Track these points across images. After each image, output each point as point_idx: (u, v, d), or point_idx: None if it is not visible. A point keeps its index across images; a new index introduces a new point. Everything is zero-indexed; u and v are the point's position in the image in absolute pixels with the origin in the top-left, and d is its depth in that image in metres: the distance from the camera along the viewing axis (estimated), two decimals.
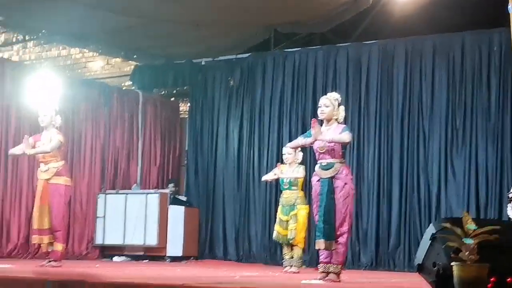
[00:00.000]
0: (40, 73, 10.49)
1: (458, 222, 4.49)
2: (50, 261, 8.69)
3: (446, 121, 10.99)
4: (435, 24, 11.94)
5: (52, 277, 5.84)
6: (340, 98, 7.16)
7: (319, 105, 7.09)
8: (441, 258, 4.67)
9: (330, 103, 7.01)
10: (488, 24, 11.11)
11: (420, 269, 4.94)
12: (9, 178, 11.27)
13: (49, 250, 8.77)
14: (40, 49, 14.98)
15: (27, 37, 13.58)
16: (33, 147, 8.76)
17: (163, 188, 13.19)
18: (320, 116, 7.05)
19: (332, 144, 6.86)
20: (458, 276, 4.31)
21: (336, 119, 7.03)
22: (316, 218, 6.96)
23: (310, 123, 7.05)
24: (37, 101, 9.33)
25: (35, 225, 8.80)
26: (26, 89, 10.32)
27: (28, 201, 11.23)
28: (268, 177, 9.81)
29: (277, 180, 9.68)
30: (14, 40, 14.15)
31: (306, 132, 7.58)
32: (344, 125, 7.13)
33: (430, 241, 4.83)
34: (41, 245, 8.94)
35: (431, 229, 4.89)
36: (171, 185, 13.21)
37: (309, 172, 9.43)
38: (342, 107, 7.11)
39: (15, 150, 9.09)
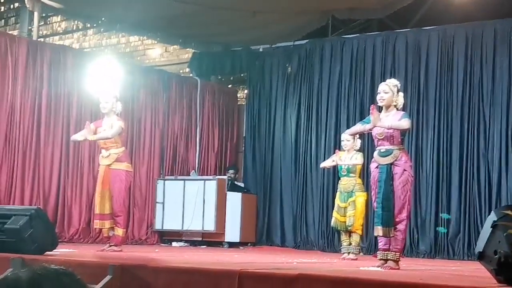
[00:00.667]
0: (100, 61, 10.64)
1: None
2: (111, 246, 8.82)
3: (507, 107, 10.81)
4: (496, 9, 11.73)
5: (114, 261, 5.94)
6: (400, 85, 7.12)
7: (378, 92, 7.07)
8: (502, 246, 4.61)
9: (389, 89, 6.97)
10: None
11: (481, 257, 4.88)
12: (71, 164, 11.48)
13: (110, 234, 8.91)
14: (100, 36, 15.22)
15: (87, 25, 13.78)
16: (95, 133, 8.89)
17: (220, 174, 13.28)
18: (379, 103, 7.02)
19: (391, 130, 6.83)
20: None
21: (395, 106, 7.00)
22: (375, 204, 6.94)
23: (369, 110, 7.02)
24: (98, 88, 9.47)
25: (97, 210, 8.94)
26: (87, 76, 10.49)
27: (89, 187, 11.44)
28: (326, 163, 9.79)
29: (334, 166, 9.67)
30: (74, 28, 14.39)
31: (364, 118, 7.57)
32: (403, 112, 7.10)
33: (491, 229, 4.77)
34: (103, 229, 9.09)
35: (492, 217, 4.84)
36: (231, 171, 13.29)
37: (367, 159, 9.41)
38: (401, 94, 7.07)
39: (77, 136, 9.23)
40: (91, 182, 11.31)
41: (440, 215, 10.59)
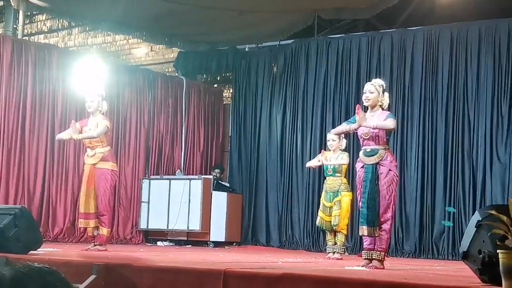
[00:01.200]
0: (85, 59, 10.60)
1: (504, 209, 4.45)
2: (95, 245, 8.80)
3: (492, 108, 10.86)
4: (480, 10, 11.81)
5: (99, 261, 5.92)
6: (385, 85, 7.15)
7: (364, 91, 7.08)
8: (486, 245, 4.63)
9: (375, 89, 6.99)
10: None
11: (465, 256, 4.90)
12: (55, 163, 11.44)
13: (95, 234, 8.88)
14: (85, 35, 15.15)
15: (72, 24, 13.73)
16: (80, 132, 8.86)
17: (206, 173, 13.26)
18: (365, 103, 7.04)
19: (377, 130, 6.84)
20: (504, 264, 4.27)
21: (381, 106, 7.02)
22: (360, 204, 6.96)
23: (354, 109, 7.04)
24: (83, 87, 9.44)
25: (81, 209, 8.91)
26: (72, 75, 10.45)
27: (74, 186, 11.41)
28: (312, 163, 9.81)
29: (320, 166, 9.68)
30: (59, 26, 14.32)
31: (349, 118, 7.59)
32: (389, 112, 7.12)
33: (475, 229, 4.79)
34: (87, 229, 9.06)
35: (476, 216, 4.85)
36: (216, 170, 13.27)
37: (352, 158, 9.43)
38: (386, 94, 7.10)
39: (62, 135, 9.20)
40: (76, 181, 11.28)
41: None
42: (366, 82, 7.48)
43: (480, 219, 4.75)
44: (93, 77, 9.59)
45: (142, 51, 15.48)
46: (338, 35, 12.92)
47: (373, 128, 6.84)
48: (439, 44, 11.47)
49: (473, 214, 5.03)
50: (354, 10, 12.57)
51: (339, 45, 12.45)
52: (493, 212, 4.47)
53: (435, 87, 11.40)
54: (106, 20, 12.70)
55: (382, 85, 7.08)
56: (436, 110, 11.34)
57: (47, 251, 7.53)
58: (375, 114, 6.99)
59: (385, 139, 6.92)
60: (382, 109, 7.04)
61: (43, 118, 11.30)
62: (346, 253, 9.98)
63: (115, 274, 5.60)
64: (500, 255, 4.30)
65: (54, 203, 11.37)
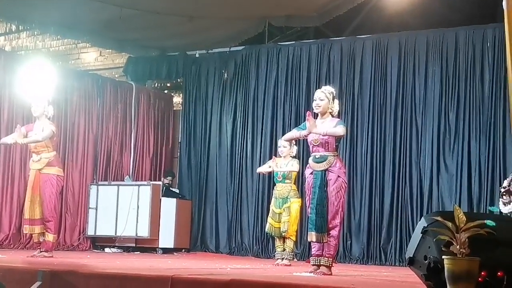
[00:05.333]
0: (33, 64, 10.44)
1: (449, 215, 4.50)
2: (41, 252, 8.68)
3: (439, 116, 11.02)
4: (429, 20, 11.99)
5: (44, 267, 5.83)
6: (335, 92, 7.20)
7: (314, 99, 7.13)
8: (432, 251, 4.67)
9: (325, 96, 7.04)
10: (482, 20, 11.16)
11: (411, 262, 4.93)
12: (1, 168, 11.24)
13: (41, 240, 8.76)
14: (34, 39, 14.93)
15: (20, 27, 13.53)
16: (25, 136, 8.75)
17: (155, 179, 13.18)
18: (315, 110, 7.08)
19: (326, 137, 6.89)
20: (449, 270, 4.32)
21: (331, 113, 7.07)
22: (309, 210, 6.99)
23: (304, 116, 7.08)
24: (30, 91, 9.31)
25: (26, 215, 8.80)
26: (19, 79, 10.28)
27: (20, 191, 11.21)
28: (263, 169, 9.82)
29: (270, 172, 9.70)
30: (7, 30, 14.10)
31: (299, 124, 7.62)
32: (338, 119, 7.19)
33: (421, 235, 4.83)
34: (33, 235, 8.93)
35: (422, 223, 4.89)
36: (169, 177, 13.18)
37: (302, 165, 9.47)
38: (336, 101, 7.17)
39: (7, 139, 9.06)
40: (22, 187, 11.08)
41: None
42: (316, 89, 7.53)
43: (426, 225, 4.79)
44: (41, 82, 9.45)
45: (91, 56, 15.32)
46: (289, 42, 12.97)
47: (323, 135, 6.88)
48: (387, 52, 11.60)
49: (419, 220, 5.07)
50: (304, 18, 12.63)
51: (289, 52, 12.50)
52: (438, 218, 4.52)
53: (384, 95, 11.51)
54: (55, 24, 12.54)
55: (332, 92, 7.13)
56: (385, 117, 11.45)
57: None
58: (325, 121, 7.04)
59: (334, 146, 6.97)
60: (332, 116, 7.10)
61: None
62: (295, 259, 10.00)
63: (60, 281, 5.52)
64: (445, 261, 4.35)
65: None
